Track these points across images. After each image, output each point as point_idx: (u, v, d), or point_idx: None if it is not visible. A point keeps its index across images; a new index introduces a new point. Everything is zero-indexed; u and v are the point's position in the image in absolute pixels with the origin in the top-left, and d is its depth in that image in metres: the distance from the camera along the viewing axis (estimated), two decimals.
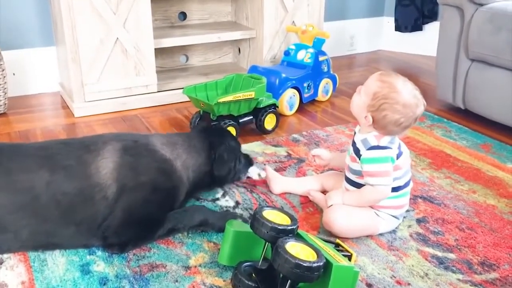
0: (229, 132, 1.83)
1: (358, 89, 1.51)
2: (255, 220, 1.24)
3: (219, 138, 1.70)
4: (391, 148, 1.45)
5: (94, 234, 1.41)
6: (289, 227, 1.23)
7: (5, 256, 1.41)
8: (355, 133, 1.55)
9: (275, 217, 1.26)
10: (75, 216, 1.39)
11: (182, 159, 1.57)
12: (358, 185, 1.53)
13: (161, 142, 1.57)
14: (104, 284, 1.31)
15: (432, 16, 3.55)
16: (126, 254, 1.42)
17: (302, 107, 2.60)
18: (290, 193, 1.75)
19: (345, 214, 1.49)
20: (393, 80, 1.44)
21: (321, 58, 2.66)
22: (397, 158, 1.47)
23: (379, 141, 1.46)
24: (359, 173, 1.51)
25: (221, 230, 1.48)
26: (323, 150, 1.74)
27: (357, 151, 1.50)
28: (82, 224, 1.40)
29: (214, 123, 2.12)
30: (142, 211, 1.43)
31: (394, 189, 1.49)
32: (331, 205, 1.53)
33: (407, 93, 1.42)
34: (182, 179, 1.55)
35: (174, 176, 1.52)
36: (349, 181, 1.56)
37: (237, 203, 1.70)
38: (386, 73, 1.47)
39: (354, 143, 1.53)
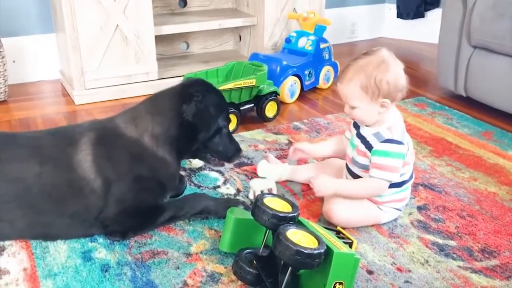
0: (208, 83, 1.55)
1: (347, 110, 1.46)
2: (256, 207, 1.24)
3: (192, 89, 1.47)
4: (403, 144, 1.42)
5: (92, 225, 1.41)
6: (290, 215, 1.23)
7: (7, 243, 1.41)
8: (357, 126, 1.52)
9: (276, 205, 1.26)
10: (67, 208, 1.38)
11: (149, 131, 1.44)
12: (356, 176, 1.51)
13: (124, 120, 1.47)
14: (106, 271, 1.32)
15: (434, 2, 3.52)
16: (127, 241, 1.43)
17: (303, 95, 2.59)
18: (291, 181, 1.75)
19: (346, 206, 1.48)
20: (353, 68, 1.41)
21: (322, 46, 2.65)
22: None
23: (393, 134, 1.42)
24: (366, 167, 1.48)
25: (222, 217, 1.47)
26: (306, 144, 1.71)
27: (368, 145, 1.45)
28: (77, 216, 1.39)
29: None
30: (134, 201, 1.42)
31: (399, 184, 1.49)
32: (332, 196, 1.51)
33: (370, 56, 1.41)
34: (156, 154, 1.44)
35: (146, 155, 1.44)
36: (353, 174, 1.54)
37: (238, 190, 1.70)
38: (343, 74, 1.43)
39: (362, 137, 1.48)
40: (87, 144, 1.41)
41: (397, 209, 1.54)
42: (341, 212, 1.47)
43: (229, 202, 1.53)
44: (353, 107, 1.44)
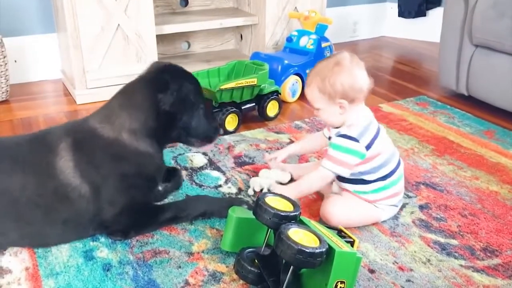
0: (178, 66, 1.52)
1: (315, 113, 1.52)
2: (258, 206, 1.24)
3: (165, 76, 1.44)
4: (359, 142, 1.44)
5: (87, 228, 1.40)
6: (292, 214, 1.23)
7: None
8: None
9: (278, 204, 1.26)
10: (57, 216, 1.36)
11: (126, 127, 1.41)
12: (341, 178, 1.52)
13: (99, 120, 1.44)
14: (108, 270, 1.32)
15: (436, 1, 3.52)
16: (129, 240, 1.43)
17: (305, 94, 2.59)
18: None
19: (342, 207, 1.49)
20: (313, 72, 1.49)
21: (323, 45, 2.65)
22: (369, 148, 1.45)
23: (350, 131, 1.46)
24: None
25: (226, 217, 1.47)
26: (288, 150, 1.72)
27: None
28: (69, 222, 1.37)
29: (215, 109, 2.12)
30: (126, 200, 1.40)
31: (382, 178, 1.49)
32: (330, 196, 1.54)
33: (328, 59, 1.49)
34: (138, 149, 1.42)
35: (128, 152, 1.42)
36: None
37: (240, 189, 1.70)
38: (307, 79, 1.52)
39: (330, 138, 1.53)
40: (66, 150, 1.37)
41: (394, 205, 1.54)
42: (337, 213, 1.48)
43: (232, 202, 1.53)
44: (317, 109, 1.50)
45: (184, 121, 1.46)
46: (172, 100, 1.41)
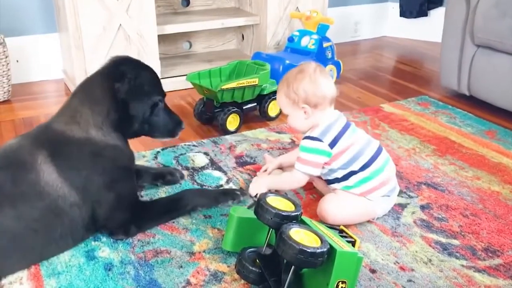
0: (136, 59, 1.54)
1: (286, 118, 1.60)
2: (259, 206, 1.24)
3: (122, 67, 1.45)
4: (321, 141, 1.49)
5: (84, 234, 1.41)
6: (293, 213, 1.23)
7: None
8: None
9: (279, 203, 1.26)
10: (55, 233, 1.34)
11: (91, 124, 1.41)
12: (326, 180, 1.57)
13: (65, 122, 1.42)
14: (109, 270, 1.32)
15: (437, 1, 3.52)
16: (130, 240, 1.43)
17: None
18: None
19: (336, 204, 1.50)
20: (282, 79, 1.57)
21: (325, 45, 2.65)
22: (334, 145, 1.49)
23: (312, 132, 1.52)
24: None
25: (217, 205, 1.57)
26: (278, 161, 1.77)
27: None
28: (65, 234, 1.36)
29: (217, 109, 2.12)
30: (113, 195, 1.40)
31: (361, 169, 1.50)
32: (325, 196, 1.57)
33: (291, 71, 1.56)
34: (108, 144, 1.42)
35: (100, 148, 1.41)
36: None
37: (241, 189, 1.70)
38: (277, 91, 1.60)
39: None
40: (45, 163, 1.34)
41: (386, 196, 1.54)
42: (332, 210, 1.49)
43: (225, 191, 1.59)
44: (286, 114, 1.58)
45: (141, 110, 1.46)
46: (127, 88, 1.42)
